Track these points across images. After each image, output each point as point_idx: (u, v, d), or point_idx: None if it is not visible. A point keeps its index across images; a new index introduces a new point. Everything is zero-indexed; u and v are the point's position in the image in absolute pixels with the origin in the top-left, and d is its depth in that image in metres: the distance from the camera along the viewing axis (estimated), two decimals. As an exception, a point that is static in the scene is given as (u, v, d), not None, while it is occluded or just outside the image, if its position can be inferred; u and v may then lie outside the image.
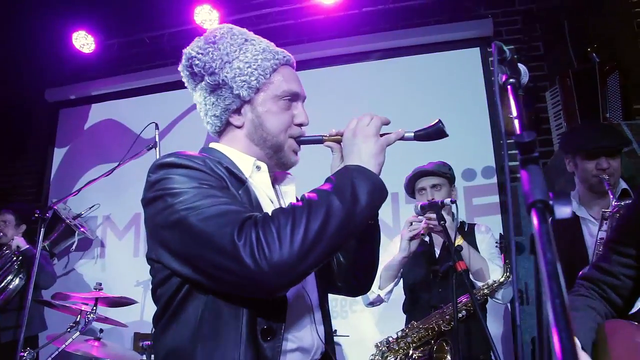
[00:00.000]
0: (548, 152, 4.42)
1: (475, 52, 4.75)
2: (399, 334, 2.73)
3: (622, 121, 3.61)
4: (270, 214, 1.18)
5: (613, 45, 4.18)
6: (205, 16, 4.80)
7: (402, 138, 1.37)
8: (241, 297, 1.22)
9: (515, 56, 1.12)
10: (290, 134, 1.46)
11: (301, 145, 1.49)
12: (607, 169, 2.59)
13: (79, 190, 3.51)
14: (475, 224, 3.07)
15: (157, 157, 3.34)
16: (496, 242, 2.87)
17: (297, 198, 1.22)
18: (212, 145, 1.49)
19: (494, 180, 4.43)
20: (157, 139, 3.40)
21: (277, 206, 1.42)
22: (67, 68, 5.63)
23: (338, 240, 1.16)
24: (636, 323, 1.45)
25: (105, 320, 3.35)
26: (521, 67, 1.17)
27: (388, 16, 4.97)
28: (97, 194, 4.85)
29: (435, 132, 1.36)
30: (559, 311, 0.53)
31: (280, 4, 4.95)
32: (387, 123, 1.38)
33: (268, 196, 1.43)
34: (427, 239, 2.85)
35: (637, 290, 1.57)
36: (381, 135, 1.34)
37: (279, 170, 1.51)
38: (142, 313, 4.70)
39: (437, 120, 1.36)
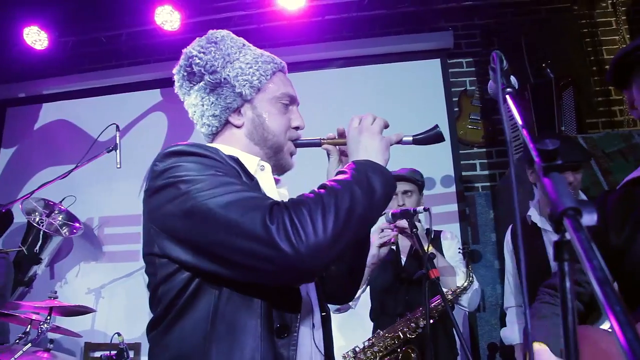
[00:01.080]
0: (505, 162, 4.55)
1: (435, 63, 4.85)
2: (366, 343, 2.73)
3: (577, 134, 3.76)
4: (297, 199, 1.17)
5: (566, 62, 4.37)
6: (166, 17, 4.68)
7: (401, 141, 1.41)
8: (258, 290, 1.19)
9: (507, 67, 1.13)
10: (289, 136, 1.47)
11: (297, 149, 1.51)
12: (572, 182, 2.66)
13: (31, 193, 3.34)
14: (441, 230, 3.12)
15: (118, 159, 3.24)
16: (459, 249, 2.93)
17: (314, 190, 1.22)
18: (212, 145, 1.43)
19: (453, 189, 4.51)
20: (117, 141, 3.28)
21: None
22: (17, 65, 5.35)
23: (363, 227, 1.18)
24: (602, 329, 1.49)
25: (57, 329, 3.19)
26: (512, 77, 1.18)
27: (351, 25, 5.00)
28: (46, 196, 4.64)
29: (434, 137, 1.41)
30: (622, 320, 0.52)
31: (243, 8, 4.90)
32: (387, 126, 1.40)
33: (273, 196, 1.39)
34: (393, 246, 2.87)
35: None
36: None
37: (275, 173, 1.50)
38: (94, 322, 4.52)
39: (434, 125, 1.41)
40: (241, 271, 1.12)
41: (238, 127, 1.44)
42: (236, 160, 1.32)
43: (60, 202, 4.47)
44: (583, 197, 2.80)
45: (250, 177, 1.33)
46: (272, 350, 1.17)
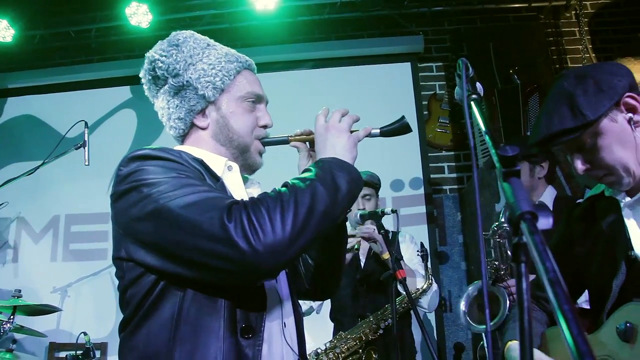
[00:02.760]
0: (472, 166, 4.64)
1: (406, 67, 4.93)
2: (327, 345, 2.75)
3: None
4: (256, 198, 1.17)
5: (532, 69, 4.50)
6: (137, 14, 4.64)
7: (370, 135, 1.40)
8: (222, 291, 1.19)
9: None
10: (255, 135, 1.46)
11: (265, 147, 1.50)
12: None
13: (-5, 189, 3.27)
14: (398, 232, 3.16)
15: (86, 157, 3.20)
16: (418, 251, 2.97)
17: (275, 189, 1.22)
18: (179, 147, 1.44)
19: (421, 191, 4.59)
20: (86, 138, 3.24)
21: None
22: (-20, 58, 5.23)
23: (324, 226, 1.17)
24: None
25: (20, 329, 3.13)
26: (478, 84, 1.22)
27: (322, 27, 5.04)
28: (9, 192, 4.52)
29: (400, 128, 1.41)
30: (570, 317, 0.56)
31: (215, 7, 4.89)
32: (357, 120, 1.40)
33: (240, 196, 1.38)
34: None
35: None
36: (351, 132, 1.37)
37: (245, 172, 1.50)
38: (59, 321, 4.44)
39: (401, 117, 1.41)
40: (202, 271, 1.13)
41: (203, 128, 1.43)
42: (201, 162, 1.32)
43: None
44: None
45: (216, 179, 1.33)
46: (236, 350, 1.18)
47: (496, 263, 2.53)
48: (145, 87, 1.50)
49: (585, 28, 4.82)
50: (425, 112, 4.86)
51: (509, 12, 5.02)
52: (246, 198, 1.41)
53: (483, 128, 1.02)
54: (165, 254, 1.15)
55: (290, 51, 5.00)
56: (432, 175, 4.69)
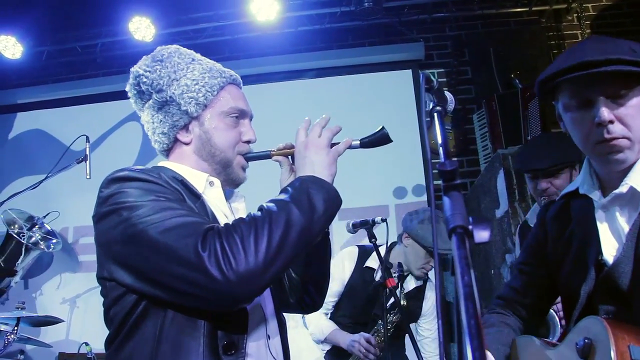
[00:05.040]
0: (475, 171, 4.64)
1: (407, 74, 4.95)
2: None
3: (541, 144, 3.84)
4: (231, 224, 1.18)
5: (533, 73, 4.48)
6: (141, 28, 4.72)
7: (350, 147, 1.41)
8: (202, 311, 1.20)
9: (438, 85, 1.19)
10: (238, 150, 1.46)
11: (249, 162, 1.50)
12: (546, 189, 2.53)
13: (1, 203, 3.35)
14: (427, 279, 3.15)
15: (88, 170, 3.27)
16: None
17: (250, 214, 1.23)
18: (162, 163, 1.47)
19: (424, 198, 4.59)
20: (87, 152, 3.31)
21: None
22: (-9, 74, 5.36)
23: (299, 248, 1.18)
24: (545, 340, 1.54)
25: (27, 340, 3.20)
26: (448, 94, 1.23)
27: (324, 36, 5.08)
28: (18, 205, 4.62)
29: (380, 139, 1.40)
30: (473, 332, 0.58)
31: (217, 20, 4.96)
32: (337, 132, 1.40)
33: (222, 212, 1.42)
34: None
35: (545, 307, 1.68)
36: (331, 146, 1.37)
37: (228, 187, 1.50)
38: (68, 332, 4.51)
39: (380, 127, 1.41)
40: (177, 296, 1.15)
41: (187, 144, 1.45)
42: (181, 181, 1.33)
43: (44, 216, 4.43)
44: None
45: (197, 196, 1.34)
46: None
47: None
48: (131, 100, 1.51)
49: (587, 31, 4.81)
50: (428, 119, 4.84)
51: (510, 17, 5.02)
52: (229, 213, 1.44)
53: (440, 141, 1.04)
54: (143, 278, 1.17)
55: (292, 61, 5.05)
56: (435, 182, 4.66)
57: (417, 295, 3.01)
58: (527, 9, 4.94)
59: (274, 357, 1.37)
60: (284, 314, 1.55)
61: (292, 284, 1.60)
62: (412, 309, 2.95)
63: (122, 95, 1.56)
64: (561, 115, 1.42)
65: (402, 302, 2.71)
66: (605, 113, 1.25)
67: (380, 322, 2.76)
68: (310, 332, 2.92)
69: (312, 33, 5.05)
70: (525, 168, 2.64)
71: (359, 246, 3.06)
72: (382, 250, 2.79)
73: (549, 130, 4.21)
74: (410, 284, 2.98)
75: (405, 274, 2.90)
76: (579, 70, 1.26)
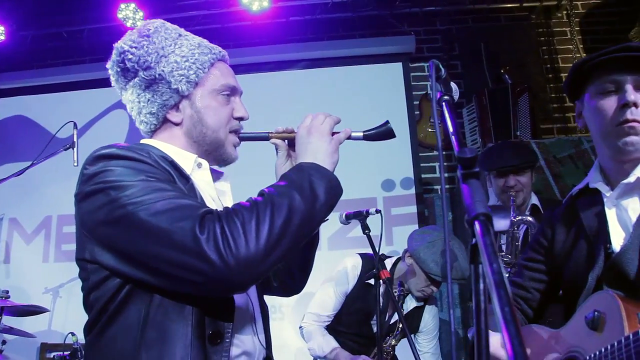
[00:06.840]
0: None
1: (397, 67, 4.94)
2: None
3: (531, 139, 3.89)
4: (231, 208, 1.14)
5: (523, 69, 4.51)
6: (129, 14, 4.64)
7: (350, 137, 1.38)
8: (190, 298, 1.16)
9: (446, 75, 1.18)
10: (230, 127, 1.41)
11: (244, 142, 1.46)
12: (514, 186, 2.75)
13: (-16, 191, 3.28)
14: (426, 301, 3.11)
15: (75, 157, 3.21)
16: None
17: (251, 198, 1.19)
18: (147, 141, 1.40)
19: (413, 191, 4.60)
20: (75, 139, 3.25)
21: (218, 205, 1.37)
22: (-28, 58, 5.23)
23: (301, 236, 1.16)
24: (546, 327, 1.58)
25: (10, 330, 3.14)
26: (453, 84, 1.22)
27: (315, 27, 5.04)
28: (2, 194, 4.54)
29: (384, 133, 1.38)
30: (509, 319, 0.57)
31: (207, 7, 4.89)
32: (338, 122, 1.38)
33: (209, 194, 1.37)
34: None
35: (546, 302, 1.72)
36: (333, 134, 1.34)
37: (218, 165, 1.46)
38: (51, 322, 4.44)
39: (385, 121, 1.38)
40: (170, 281, 1.11)
41: (177, 124, 1.38)
42: (170, 161, 1.28)
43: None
44: (534, 200, 2.89)
45: (186, 178, 1.29)
46: (203, 356, 1.16)
47: (508, 257, 2.48)
48: (112, 78, 1.43)
49: (577, 28, 4.84)
50: (417, 112, 4.87)
51: (501, 12, 5.03)
52: (215, 195, 1.40)
53: (451, 129, 1.03)
54: (131, 261, 1.13)
55: (282, 51, 4.99)
56: (423, 175, 4.70)
57: (416, 313, 2.98)
58: (517, 4, 4.95)
59: (259, 341, 1.36)
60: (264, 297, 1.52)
61: (276, 269, 1.57)
62: (410, 325, 2.93)
63: (109, 83, 1.49)
64: (582, 110, 1.53)
65: (400, 325, 2.70)
66: (632, 95, 1.37)
67: (384, 341, 2.76)
68: (308, 346, 2.87)
69: (303, 24, 5.00)
70: (494, 166, 2.86)
71: (361, 255, 2.93)
72: (381, 250, 2.78)
73: (538, 126, 4.27)
74: (410, 304, 2.94)
75: (406, 292, 2.86)
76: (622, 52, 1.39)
